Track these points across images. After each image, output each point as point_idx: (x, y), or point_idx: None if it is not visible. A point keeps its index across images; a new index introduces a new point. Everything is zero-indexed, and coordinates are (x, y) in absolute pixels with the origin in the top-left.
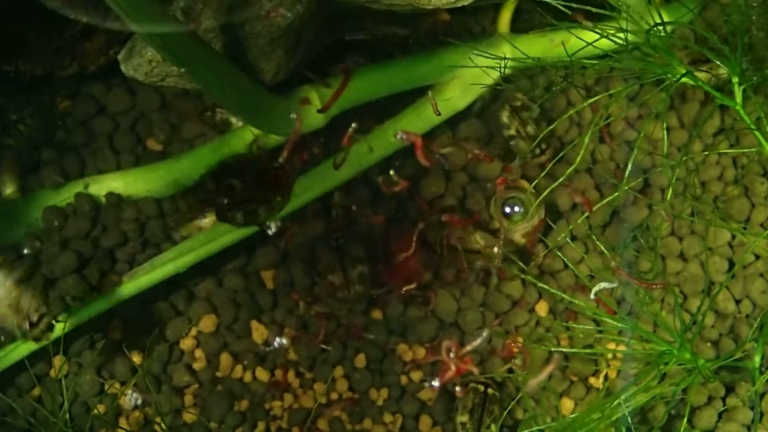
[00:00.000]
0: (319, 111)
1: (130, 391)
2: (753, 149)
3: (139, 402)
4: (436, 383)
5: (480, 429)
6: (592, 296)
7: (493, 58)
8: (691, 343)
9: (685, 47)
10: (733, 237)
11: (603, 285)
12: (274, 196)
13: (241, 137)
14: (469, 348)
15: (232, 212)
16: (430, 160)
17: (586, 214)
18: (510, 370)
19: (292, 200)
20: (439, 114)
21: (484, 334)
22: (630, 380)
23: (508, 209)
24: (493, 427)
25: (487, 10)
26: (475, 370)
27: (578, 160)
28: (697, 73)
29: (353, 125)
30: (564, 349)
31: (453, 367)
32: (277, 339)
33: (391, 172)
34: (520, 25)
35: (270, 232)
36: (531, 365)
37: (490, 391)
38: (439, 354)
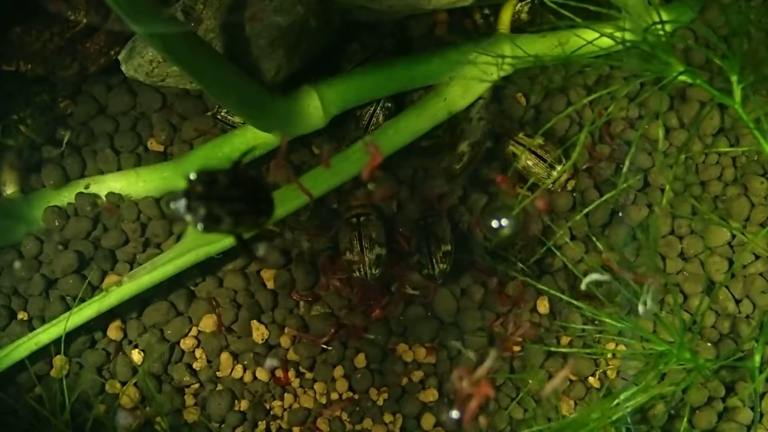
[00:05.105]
0: None
1: (119, 410)
2: (752, 148)
3: (129, 421)
4: (455, 414)
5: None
6: (583, 287)
7: (494, 57)
8: (691, 343)
9: (685, 47)
10: (733, 237)
11: (594, 276)
12: (261, 212)
13: (242, 137)
14: (480, 373)
15: (220, 211)
16: (371, 176)
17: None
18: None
19: (288, 202)
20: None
21: (492, 354)
22: (630, 380)
23: (495, 223)
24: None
25: (486, 10)
26: (492, 393)
27: (574, 156)
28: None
29: (327, 147)
30: (564, 349)
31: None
32: (269, 360)
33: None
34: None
35: (258, 255)
36: (531, 366)
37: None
38: (440, 356)
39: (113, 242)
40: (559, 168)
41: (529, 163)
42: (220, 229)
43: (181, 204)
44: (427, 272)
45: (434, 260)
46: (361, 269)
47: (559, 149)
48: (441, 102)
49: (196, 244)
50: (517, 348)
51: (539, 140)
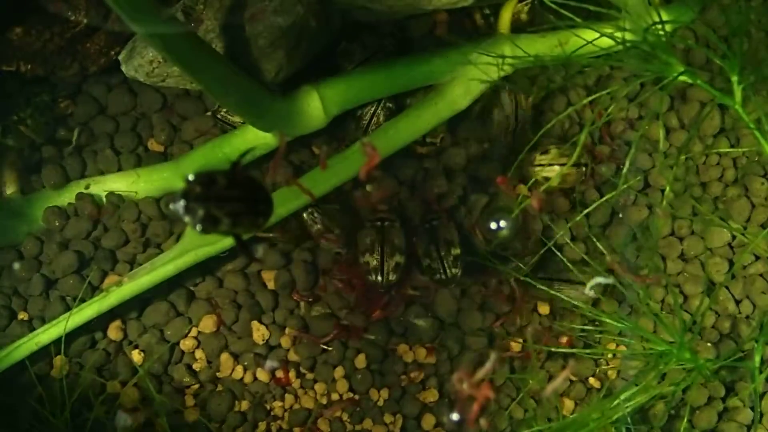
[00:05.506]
0: None
1: (119, 411)
2: (753, 149)
3: (129, 422)
4: (455, 417)
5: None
6: (587, 291)
7: (494, 57)
8: (691, 343)
9: (685, 47)
10: (734, 237)
11: (598, 280)
12: (260, 213)
13: (242, 137)
14: (480, 375)
15: (218, 212)
16: (368, 177)
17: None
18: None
19: (288, 202)
20: None
21: (492, 356)
22: (630, 380)
23: (493, 225)
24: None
25: (486, 10)
26: (492, 395)
27: (574, 157)
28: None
29: (325, 148)
30: (564, 350)
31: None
32: (269, 361)
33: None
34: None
35: (257, 256)
36: (531, 366)
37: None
38: (440, 358)
39: (113, 242)
40: (585, 158)
41: (561, 174)
42: (219, 230)
43: (179, 205)
44: (440, 277)
45: (446, 265)
46: (379, 274)
47: (564, 145)
48: (442, 102)
49: (196, 245)
50: (518, 348)
51: (553, 150)
